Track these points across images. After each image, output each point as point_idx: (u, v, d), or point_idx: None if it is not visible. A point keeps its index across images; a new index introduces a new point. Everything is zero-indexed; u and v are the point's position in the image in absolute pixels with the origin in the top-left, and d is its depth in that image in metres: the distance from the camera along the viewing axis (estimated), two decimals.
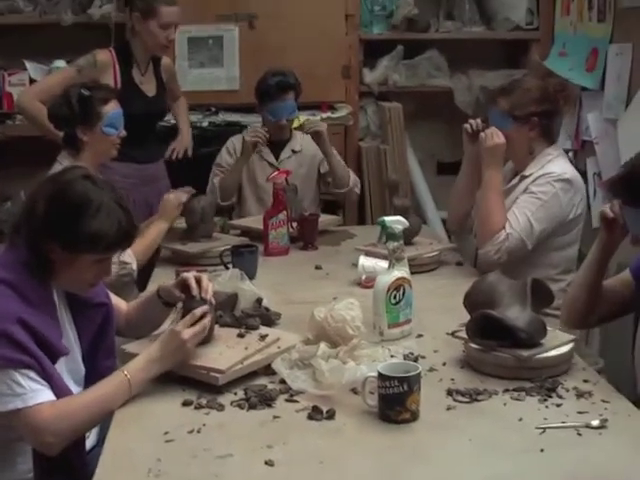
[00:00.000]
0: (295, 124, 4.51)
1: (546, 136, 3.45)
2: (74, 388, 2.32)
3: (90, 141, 3.51)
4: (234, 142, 4.46)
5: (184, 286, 2.49)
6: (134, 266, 3.35)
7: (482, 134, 3.39)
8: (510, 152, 3.43)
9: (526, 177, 3.40)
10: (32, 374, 2.14)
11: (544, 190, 3.29)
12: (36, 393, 2.14)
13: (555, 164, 3.38)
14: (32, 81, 4.77)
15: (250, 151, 4.28)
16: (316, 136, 4.27)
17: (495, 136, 3.34)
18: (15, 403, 2.12)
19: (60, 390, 2.20)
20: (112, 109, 3.54)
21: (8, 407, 2.13)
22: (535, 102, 3.38)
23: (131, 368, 2.28)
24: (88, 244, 2.25)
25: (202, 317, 2.37)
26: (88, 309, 2.47)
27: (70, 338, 2.41)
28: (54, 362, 2.23)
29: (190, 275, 2.50)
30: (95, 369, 2.40)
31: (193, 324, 2.35)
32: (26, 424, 2.14)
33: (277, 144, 4.43)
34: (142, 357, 2.31)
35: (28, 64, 4.90)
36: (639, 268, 2.71)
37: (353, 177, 4.46)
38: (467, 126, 3.56)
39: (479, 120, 3.53)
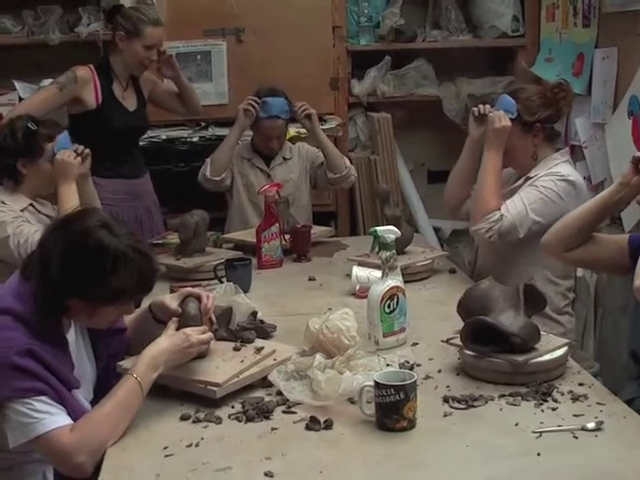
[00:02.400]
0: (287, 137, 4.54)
1: (550, 141, 3.47)
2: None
3: (29, 175, 3.48)
4: (202, 169, 4.48)
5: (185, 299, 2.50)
6: None
7: (491, 114, 3.39)
8: (514, 159, 3.46)
9: (531, 178, 3.40)
10: (47, 399, 2.13)
11: (547, 186, 3.31)
12: (55, 417, 2.12)
13: (561, 167, 3.39)
14: (21, 99, 4.77)
15: (243, 119, 4.32)
16: (308, 119, 4.33)
17: (503, 119, 3.36)
18: (36, 430, 2.10)
19: (77, 414, 2.19)
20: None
21: (30, 436, 2.11)
22: (539, 108, 3.40)
23: (138, 370, 2.26)
24: (110, 298, 2.24)
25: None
26: (107, 336, 2.48)
27: (85, 365, 2.41)
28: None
29: (199, 291, 2.52)
30: (105, 390, 2.38)
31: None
32: (51, 449, 2.12)
33: (264, 152, 4.48)
34: (147, 356, 2.29)
35: (17, 84, 4.90)
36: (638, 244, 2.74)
37: (348, 162, 4.51)
38: (475, 109, 3.57)
39: (487, 105, 3.52)
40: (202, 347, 2.39)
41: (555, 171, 3.35)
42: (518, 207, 3.27)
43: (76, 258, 2.20)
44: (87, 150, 3.56)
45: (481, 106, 3.53)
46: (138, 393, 2.24)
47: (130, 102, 4.34)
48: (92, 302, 2.24)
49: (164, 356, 2.30)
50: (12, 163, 3.48)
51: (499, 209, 3.26)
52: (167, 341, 2.33)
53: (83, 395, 2.35)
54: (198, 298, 2.48)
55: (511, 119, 3.37)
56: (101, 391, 2.37)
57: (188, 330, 2.36)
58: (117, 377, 2.42)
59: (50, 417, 2.12)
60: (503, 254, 3.39)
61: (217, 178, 4.34)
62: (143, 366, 2.27)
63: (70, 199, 3.42)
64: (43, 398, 2.13)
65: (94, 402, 2.38)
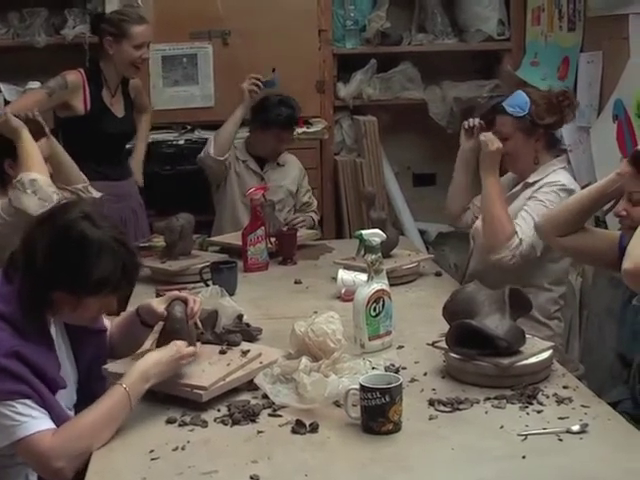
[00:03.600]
0: None
1: (550, 147, 3.50)
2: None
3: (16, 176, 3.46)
4: (205, 147, 4.50)
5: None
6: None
7: (482, 137, 3.43)
8: (514, 163, 3.49)
9: (530, 185, 3.43)
10: (31, 403, 2.13)
11: (550, 198, 3.32)
12: (37, 420, 2.12)
13: (559, 174, 3.41)
14: (7, 103, 4.76)
15: (248, 100, 4.39)
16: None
17: (495, 142, 3.39)
18: (17, 433, 2.10)
19: (60, 419, 2.18)
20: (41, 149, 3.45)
21: (12, 439, 2.11)
22: (545, 113, 3.42)
23: (128, 381, 2.25)
24: (93, 289, 2.24)
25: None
26: (87, 336, 2.47)
27: (67, 366, 2.40)
28: (53, 395, 2.22)
29: (186, 295, 2.51)
30: (88, 393, 2.37)
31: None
32: (32, 453, 2.12)
33: (261, 157, 4.53)
34: (137, 369, 2.28)
35: (3, 86, 4.88)
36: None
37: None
38: (465, 123, 3.64)
39: (477, 119, 3.60)
40: (191, 360, 2.39)
41: (554, 180, 3.38)
42: (530, 226, 3.26)
43: (60, 249, 2.21)
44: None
45: (471, 120, 3.60)
46: (126, 404, 2.23)
47: (118, 108, 4.34)
48: (76, 294, 2.24)
49: (156, 368, 2.30)
50: None
51: (516, 233, 3.27)
52: (159, 354, 2.33)
53: (66, 397, 2.35)
54: (184, 302, 2.47)
55: (518, 118, 3.39)
56: (84, 395, 2.36)
57: (179, 342, 2.36)
58: (100, 380, 2.43)
59: (32, 420, 2.11)
60: None
61: (221, 158, 4.38)
62: (133, 378, 2.26)
63: (31, 154, 3.30)
64: (27, 401, 2.12)
65: (77, 406, 2.37)
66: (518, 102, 3.43)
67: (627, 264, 2.42)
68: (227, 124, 4.41)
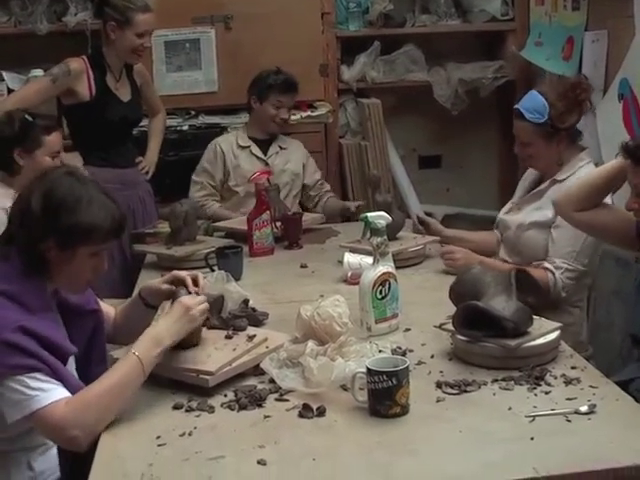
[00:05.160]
0: None
1: (574, 142, 3.37)
2: None
3: (26, 166, 3.47)
4: (219, 143, 4.50)
5: (175, 282, 2.50)
6: None
7: (446, 262, 3.39)
8: (537, 164, 3.41)
9: (558, 182, 3.31)
10: (41, 376, 2.14)
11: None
12: (49, 393, 2.13)
13: (587, 170, 3.26)
14: (10, 91, 4.75)
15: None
16: None
17: (462, 258, 3.33)
18: (30, 407, 2.12)
19: (74, 388, 2.20)
20: (54, 141, 3.55)
21: (25, 412, 2.13)
22: (566, 115, 3.27)
23: (139, 346, 2.26)
24: (85, 236, 2.26)
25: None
26: (80, 317, 2.47)
27: None
28: (64, 363, 2.24)
29: (184, 273, 2.52)
30: (87, 377, 2.38)
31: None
32: (46, 424, 2.14)
33: (264, 141, 4.53)
34: (148, 334, 2.29)
35: (5, 74, 4.87)
36: None
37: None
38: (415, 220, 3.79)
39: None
40: (202, 308, 2.38)
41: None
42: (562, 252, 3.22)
43: (51, 198, 2.26)
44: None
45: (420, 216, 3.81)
46: (139, 371, 2.23)
47: (124, 92, 4.32)
48: (68, 243, 2.26)
49: (166, 329, 2.31)
50: (8, 152, 3.48)
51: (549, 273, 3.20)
52: (166, 316, 2.35)
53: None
54: (185, 282, 2.47)
55: (538, 125, 3.26)
56: (85, 378, 2.36)
57: (182, 299, 2.36)
58: (101, 364, 2.45)
59: (43, 393, 2.12)
60: (524, 248, 3.37)
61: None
62: (145, 343, 2.27)
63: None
64: (36, 375, 2.13)
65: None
66: (536, 106, 3.27)
67: None
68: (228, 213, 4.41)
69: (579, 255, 3.22)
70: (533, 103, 3.29)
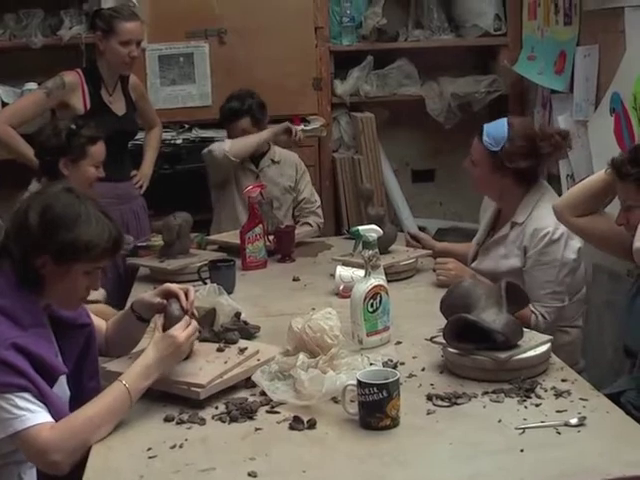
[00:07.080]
0: None
1: (520, 182, 3.28)
2: None
3: (70, 176, 3.51)
4: (219, 144, 4.48)
5: (166, 295, 2.49)
6: None
7: (438, 272, 3.38)
8: (480, 189, 3.45)
9: (518, 225, 3.26)
10: (30, 397, 2.13)
11: (553, 257, 3.18)
12: (34, 415, 2.12)
13: (542, 212, 3.20)
14: (4, 104, 4.76)
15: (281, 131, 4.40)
16: None
17: (454, 269, 3.33)
18: (14, 426, 2.11)
19: (59, 412, 2.18)
20: (98, 152, 3.60)
21: (8, 432, 2.12)
22: (519, 157, 3.21)
23: (129, 377, 2.26)
24: (81, 253, 2.25)
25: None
26: (71, 331, 2.46)
27: None
28: (54, 382, 2.23)
29: (175, 286, 2.51)
30: (80, 391, 2.38)
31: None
32: (29, 446, 2.13)
33: (256, 155, 4.49)
34: (138, 365, 2.29)
35: (0, 88, 4.89)
36: None
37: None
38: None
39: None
40: (192, 340, 2.39)
41: (542, 227, 3.17)
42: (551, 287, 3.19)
43: (49, 213, 2.26)
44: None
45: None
46: (125, 400, 2.24)
47: (118, 106, 4.33)
48: (65, 258, 2.25)
49: (156, 364, 2.30)
50: (54, 162, 3.52)
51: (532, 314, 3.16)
52: (155, 348, 2.33)
53: (60, 390, 2.35)
54: (177, 296, 2.47)
55: (489, 151, 3.24)
56: (77, 392, 2.36)
57: (172, 331, 2.35)
58: (93, 378, 2.44)
59: (30, 414, 2.12)
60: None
61: (234, 159, 4.32)
62: (134, 374, 2.27)
63: None
64: (25, 395, 2.13)
65: (72, 401, 2.36)
66: (496, 134, 3.24)
67: (638, 243, 2.48)
68: (251, 136, 4.37)
69: (555, 294, 3.19)
70: (495, 130, 3.26)
